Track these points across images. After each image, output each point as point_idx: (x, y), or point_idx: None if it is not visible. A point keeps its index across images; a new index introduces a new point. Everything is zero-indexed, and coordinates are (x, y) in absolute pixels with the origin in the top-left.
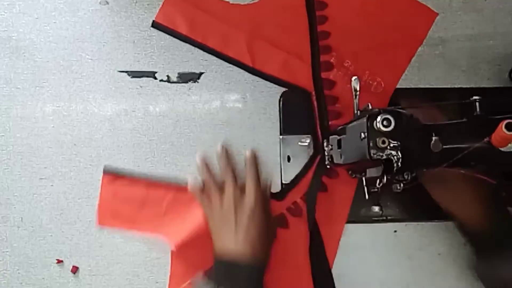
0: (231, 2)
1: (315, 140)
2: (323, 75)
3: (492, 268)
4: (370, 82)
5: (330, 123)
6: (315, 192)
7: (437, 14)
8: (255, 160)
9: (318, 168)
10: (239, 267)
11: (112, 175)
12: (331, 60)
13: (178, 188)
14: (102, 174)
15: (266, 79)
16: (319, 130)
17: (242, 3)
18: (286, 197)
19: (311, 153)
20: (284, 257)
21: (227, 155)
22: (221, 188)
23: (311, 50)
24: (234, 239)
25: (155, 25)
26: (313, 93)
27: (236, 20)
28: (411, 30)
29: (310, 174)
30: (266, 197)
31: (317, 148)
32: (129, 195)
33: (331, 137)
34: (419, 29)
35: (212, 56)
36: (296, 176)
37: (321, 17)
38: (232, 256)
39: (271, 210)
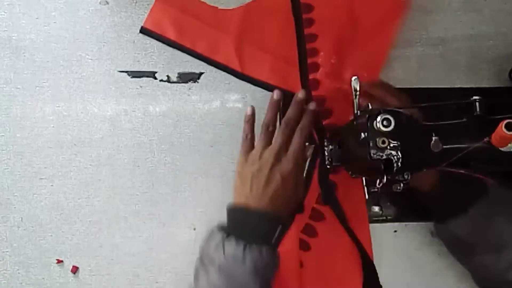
0: (219, 8)
1: (311, 143)
2: (311, 76)
3: (447, 229)
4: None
5: (323, 123)
6: (332, 192)
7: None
8: (309, 124)
9: (321, 169)
10: (253, 213)
11: None
12: (319, 61)
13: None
14: None
15: (255, 85)
16: (314, 132)
17: (229, 8)
18: (304, 207)
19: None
20: (324, 261)
21: (298, 113)
22: (269, 140)
23: (298, 53)
24: (257, 192)
25: (143, 31)
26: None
27: (224, 25)
28: (385, 25)
29: (315, 177)
30: (303, 166)
31: (314, 151)
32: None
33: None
34: (391, 23)
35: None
36: (306, 178)
37: (308, 20)
38: (250, 205)
39: (303, 180)
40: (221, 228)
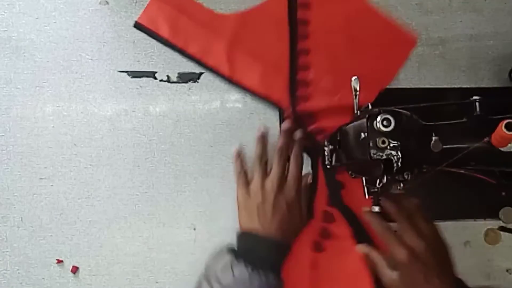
0: (215, 11)
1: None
2: (300, 91)
3: None
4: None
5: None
6: (337, 192)
7: (416, 39)
8: (301, 152)
9: (325, 170)
10: (263, 241)
11: None
12: (309, 78)
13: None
14: None
15: (243, 90)
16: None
17: (226, 13)
18: (314, 213)
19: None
20: (337, 263)
21: (288, 141)
22: (265, 171)
23: (290, 66)
24: (266, 221)
25: (137, 25)
26: (289, 108)
27: (218, 29)
28: (391, 54)
29: (322, 180)
30: (305, 188)
31: (311, 154)
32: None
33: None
34: (399, 54)
35: None
36: (310, 189)
37: (303, 34)
38: (259, 232)
39: (305, 203)
40: (231, 250)
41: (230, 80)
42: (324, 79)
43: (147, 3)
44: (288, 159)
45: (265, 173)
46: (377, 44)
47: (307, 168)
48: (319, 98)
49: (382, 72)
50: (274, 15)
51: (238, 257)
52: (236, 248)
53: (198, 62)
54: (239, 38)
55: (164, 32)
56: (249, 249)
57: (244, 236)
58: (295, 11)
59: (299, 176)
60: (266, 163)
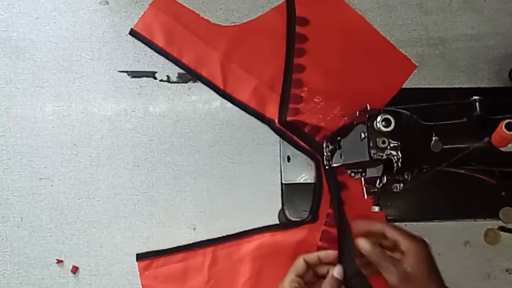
0: (212, 22)
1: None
2: (291, 105)
3: None
4: (339, 116)
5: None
6: (337, 193)
7: (416, 66)
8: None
9: (326, 171)
10: None
11: (147, 260)
12: (302, 94)
13: (214, 247)
14: (136, 262)
15: (234, 104)
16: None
17: (223, 24)
18: (319, 216)
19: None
20: None
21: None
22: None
23: (283, 82)
24: None
25: (132, 33)
26: (277, 123)
27: (214, 40)
28: (387, 80)
29: (325, 183)
30: None
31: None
32: (169, 274)
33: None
34: (396, 80)
35: None
36: (315, 192)
37: (300, 50)
38: None
39: None
40: None
41: (223, 92)
42: (316, 99)
43: (146, 7)
44: None
45: None
46: (374, 67)
47: (311, 171)
48: (309, 116)
49: (376, 97)
50: (271, 29)
51: None
52: None
53: (192, 72)
54: (235, 50)
55: (159, 40)
56: None
57: None
58: (293, 26)
59: None
60: None
